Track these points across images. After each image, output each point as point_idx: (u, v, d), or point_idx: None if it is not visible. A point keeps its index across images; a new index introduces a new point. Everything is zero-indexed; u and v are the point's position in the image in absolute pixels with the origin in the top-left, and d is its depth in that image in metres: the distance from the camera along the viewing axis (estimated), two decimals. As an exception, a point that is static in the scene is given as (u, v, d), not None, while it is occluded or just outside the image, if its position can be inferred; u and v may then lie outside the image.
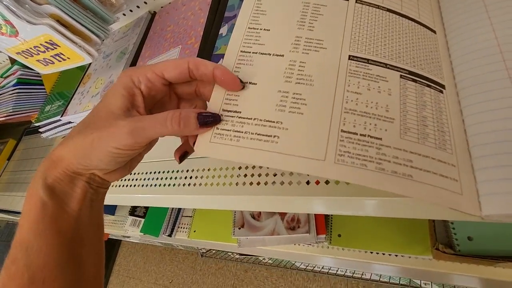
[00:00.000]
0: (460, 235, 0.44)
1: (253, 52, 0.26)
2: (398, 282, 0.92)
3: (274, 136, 0.22)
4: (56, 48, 0.46)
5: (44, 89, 0.81)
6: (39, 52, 0.48)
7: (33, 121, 0.75)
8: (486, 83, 0.22)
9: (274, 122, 0.22)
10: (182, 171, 0.44)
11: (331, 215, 0.69)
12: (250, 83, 0.24)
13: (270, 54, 0.25)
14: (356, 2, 0.28)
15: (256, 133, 0.22)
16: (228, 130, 0.22)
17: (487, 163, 0.20)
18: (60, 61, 0.50)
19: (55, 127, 0.71)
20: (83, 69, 0.72)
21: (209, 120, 0.22)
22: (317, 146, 0.21)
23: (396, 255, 0.59)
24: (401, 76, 0.24)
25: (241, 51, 0.26)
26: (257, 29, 0.27)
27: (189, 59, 0.23)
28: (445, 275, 0.56)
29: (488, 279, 0.50)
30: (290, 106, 0.23)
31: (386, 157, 0.20)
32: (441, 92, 0.24)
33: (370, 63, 0.24)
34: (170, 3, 0.63)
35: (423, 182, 0.19)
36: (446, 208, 0.19)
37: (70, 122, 0.66)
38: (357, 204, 0.28)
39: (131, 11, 0.67)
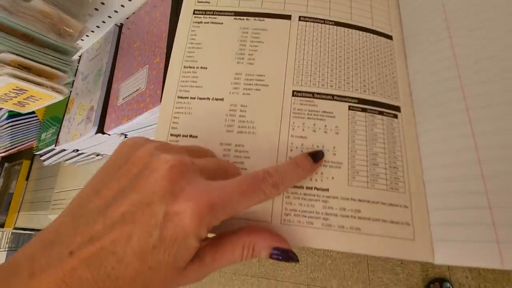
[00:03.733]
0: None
1: (191, 98, 0.24)
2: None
3: None
4: (25, 92, 0.46)
5: (37, 116, 0.82)
6: (12, 98, 0.49)
7: (33, 150, 0.77)
8: (442, 105, 0.20)
9: None
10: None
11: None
12: (190, 136, 0.23)
13: (209, 99, 0.23)
14: (299, 20, 0.25)
15: None
16: None
17: (442, 203, 0.19)
18: (34, 101, 0.50)
19: (54, 155, 0.73)
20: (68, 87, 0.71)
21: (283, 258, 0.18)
22: (263, 207, 0.20)
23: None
24: (349, 108, 0.22)
25: (178, 97, 0.24)
26: (193, 67, 0.24)
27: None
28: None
29: None
30: (233, 161, 0.21)
31: (333, 211, 0.19)
32: (395, 117, 0.22)
33: (315, 97, 0.22)
34: (134, 13, 0.60)
35: (371, 234, 0.19)
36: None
37: (64, 150, 0.68)
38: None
39: (98, 27, 0.65)
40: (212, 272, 0.17)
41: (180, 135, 0.22)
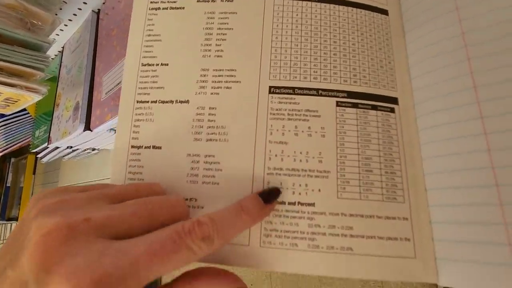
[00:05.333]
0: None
1: (151, 102, 0.20)
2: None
3: None
4: (0, 94, 0.44)
5: (29, 113, 0.80)
6: (-10, 101, 0.46)
7: (29, 148, 0.76)
8: (448, 94, 0.17)
9: (187, 200, 0.18)
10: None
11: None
12: (153, 147, 0.20)
13: (173, 102, 0.20)
14: None
15: None
16: None
17: (448, 216, 0.16)
18: (13, 103, 0.48)
19: (49, 152, 0.72)
20: (55, 80, 0.68)
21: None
22: None
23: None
24: (337, 104, 0.19)
25: (137, 102, 0.20)
26: (153, 65, 0.21)
27: None
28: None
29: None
30: (203, 175, 0.19)
31: (320, 229, 0.17)
32: (392, 111, 0.19)
33: (297, 93, 0.19)
34: (109, -5, 0.55)
35: (366, 255, 0.16)
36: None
37: (58, 147, 0.67)
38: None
39: (75, 15, 0.60)
40: None
41: (142, 147, 0.20)
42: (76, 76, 0.59)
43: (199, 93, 0.20)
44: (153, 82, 0.21)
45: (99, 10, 0.58)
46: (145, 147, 0.20)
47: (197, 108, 0.20)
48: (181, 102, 0.20)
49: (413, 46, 0.20)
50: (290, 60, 0.20)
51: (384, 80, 0.19)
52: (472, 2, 0.17)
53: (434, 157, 0.17)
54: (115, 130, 0.52)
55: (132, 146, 0.20)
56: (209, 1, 0.22)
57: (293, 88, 0.19)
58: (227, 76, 0.20)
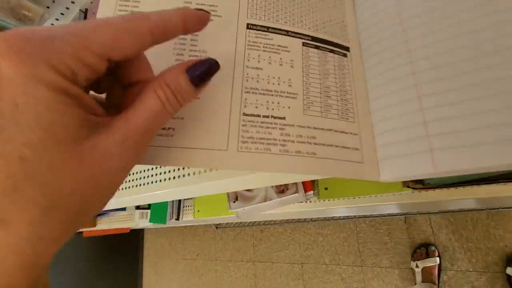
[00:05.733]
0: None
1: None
2: (396, 213, 0.97)
3: (169, 129, 0.19)
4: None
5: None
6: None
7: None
8: (385, 44, 0.22)
9: None
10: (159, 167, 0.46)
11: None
12: None
13: None
14: None
15: None
16: None
17: (384, 127, 0.20)
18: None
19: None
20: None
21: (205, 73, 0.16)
22: (219, 135, 0.20)
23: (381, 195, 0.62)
24: (303, 44, 0.23)
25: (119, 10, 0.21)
26: None
27: (150, 18, 0.14)
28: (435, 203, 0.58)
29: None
30: None
31: (290, 138, 0.20)
32: (345, 55, 0.24)
33: (270, 31, 0.23)
34: (99, -6, 0.59)
35: (326, 158, 0.20)
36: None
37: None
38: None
39: (62, 14, 0.63)
40: (140, 150, 0.14)
41: None
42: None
43: None
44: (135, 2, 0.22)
45: (86, 9, 0.61)
46: None
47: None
48: None
49: (360, 9, 0.25)
50: (265, 6, 0.24)
51: (339, 33, 0.24)
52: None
53: (375, 87, 0.21)
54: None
55: None
56: None
57: (267, 27, 0.23)
58: (209, 9, 0.23)
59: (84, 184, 0.12)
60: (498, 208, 0.89)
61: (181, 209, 1.00)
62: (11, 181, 0.10)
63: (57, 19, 0.63)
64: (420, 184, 0.45)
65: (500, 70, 0.16)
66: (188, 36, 0.22)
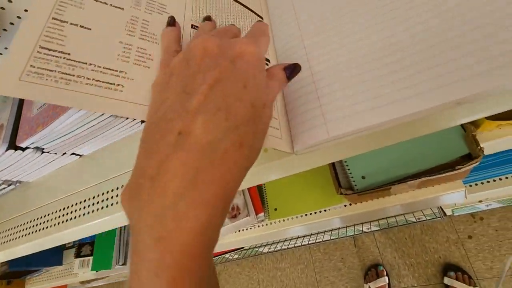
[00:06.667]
0: (355, 176, 0.52)
1: None
2: (345, 234, 1.03)
3: (118, 85, 0.22)
4: None
5: None
6: None
7: None
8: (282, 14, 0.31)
9: (117, 71, 0.22)
10: (97, 196, 0.44)
11: (265, 192, 0.75)
12: (81, 26, 0.22)
13: (107, 4, 0.24)
14: None
15: (94, 79, 0.21)
16: (51, 70, 0.20)
17: (293, 105, 0.25)
18: None
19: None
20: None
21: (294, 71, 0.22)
22: None
23: (325, 210, 0.67)
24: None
25: None
26: None
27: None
28: (363, 214, 0.65)
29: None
30: (135, 58, 0.23)
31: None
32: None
33: None
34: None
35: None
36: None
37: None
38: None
39: (5, 30, 0.59)
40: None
41: (67, 22, 0.22)
42: (1, 101, 0.59)
43: (134, 7, 0.26)
44: None
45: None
46: (71, 23, 0.22)
47: (132, 16, 0.25)
48: (115, 7, 0.25)
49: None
50: (206, 13, 0.29)
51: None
52: None
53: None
54: (43, 149, 0.49)
55: (54, 18, 0.22)
56: None
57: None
58: (159, 6, 0.27)
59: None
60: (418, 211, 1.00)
61: (129, 252, 0.93)
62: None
63: (5, 30, 0.59)
64: (350, 190, 0.52)
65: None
66: (140, 21, 0.25)
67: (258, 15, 0.33)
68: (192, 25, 0.28)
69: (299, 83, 0.26)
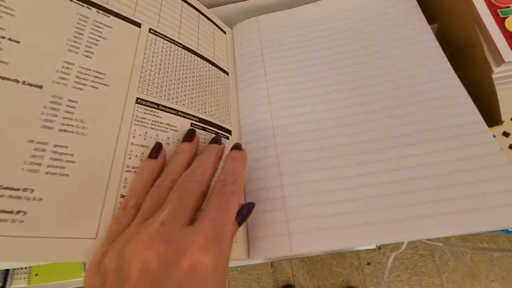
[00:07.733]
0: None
1: None
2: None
3: (18, 212, 0.15)
4: None
5: None
6: None
7: None
8: (257, 131, 0.26)
9: (19, 190, 0.16)
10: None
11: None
12: None
13: (19, 82, 0.17)
14: (149, 32, 0.25)
15: None
16: None
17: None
18: None
19: None
20: None
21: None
22: (88, 220, 0.17)
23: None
24: (191, 125, 0.24)
25: None
26: None
27: None
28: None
29: None
30: (48, 164, 0.17)
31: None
32: (228, 138, 0.27)
33: (160, 109, 0.23)
34: None
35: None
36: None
37: None
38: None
39: None
40: None
41: None
42: None
43: (58, 82, 0.19)
44: None
45: None
46: None
47: (53, 96, 0.18)
48: (31, 85, 0.18)
49: (241, 98, 0.29)
50: (157, 83, 0.24)
51: (224, 116, 0.27)
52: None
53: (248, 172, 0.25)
54: None
55: None
56: (84, 6, 0.22)
57: (157, 104, 0.23)
58: (95, 77, 0.21)
59: None
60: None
61: (9, 275, 0.75)
62: None
63: None
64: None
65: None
66: (65, 101, 0.19)
67: (223, 71, 0.30)
68: (137, 98, 0.22)
69: (263, 172, 0.24)
